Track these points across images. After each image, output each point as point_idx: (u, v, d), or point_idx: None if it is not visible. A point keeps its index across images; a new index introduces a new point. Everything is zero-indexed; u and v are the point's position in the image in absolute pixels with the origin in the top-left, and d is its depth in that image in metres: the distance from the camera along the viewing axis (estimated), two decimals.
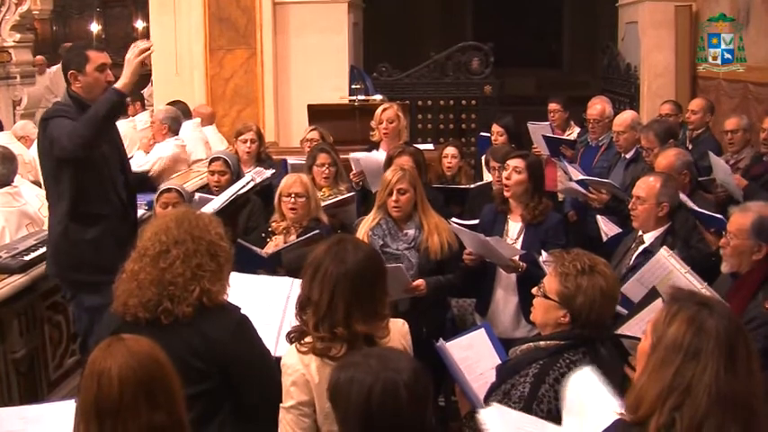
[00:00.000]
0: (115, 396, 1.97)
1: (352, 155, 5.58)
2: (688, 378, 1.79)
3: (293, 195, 4.34)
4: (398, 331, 2.70)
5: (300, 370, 2.52)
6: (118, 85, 3.86)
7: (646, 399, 1.83)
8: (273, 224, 4.41)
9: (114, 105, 3.83)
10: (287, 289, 3.41)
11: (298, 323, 2.63)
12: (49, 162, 3.95)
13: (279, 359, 2.70)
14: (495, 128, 6.30)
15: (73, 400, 2.55)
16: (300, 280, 3.33)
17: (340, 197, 5.04)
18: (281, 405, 2.55)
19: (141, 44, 3.97)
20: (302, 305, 2.61)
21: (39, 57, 11.40)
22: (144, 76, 12.15)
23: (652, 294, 3.50)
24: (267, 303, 3.12)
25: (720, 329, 1.81)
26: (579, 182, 5.24)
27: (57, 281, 4.18)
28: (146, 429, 1.98)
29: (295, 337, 2.60)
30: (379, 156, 5.46)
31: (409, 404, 1.99)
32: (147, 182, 4.56)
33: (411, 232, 4.11)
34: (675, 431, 1.77)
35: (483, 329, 3.15)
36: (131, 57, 3.89)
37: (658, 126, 5.44)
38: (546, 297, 2.69)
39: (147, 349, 2.06)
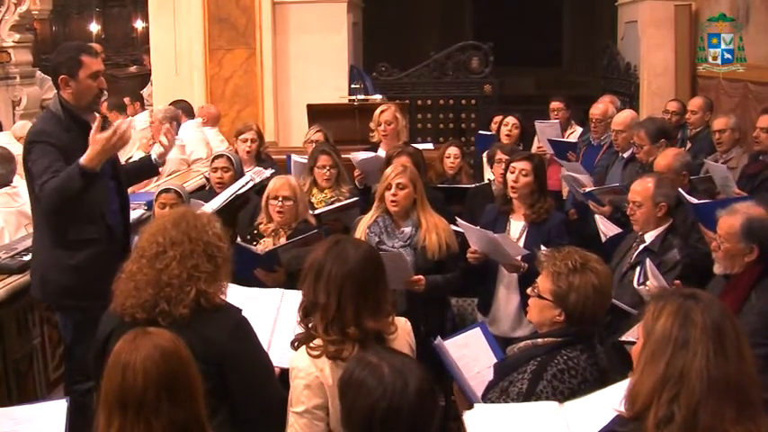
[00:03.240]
0: (139, 389, 1.99)
1: (353, 154, 5.61)
2: (680, 367, 1.82)
3: (281, 199, 4.29)
4: (403, 329, 2.71)
5: (314, 372, 2.50)
6: (83, 160, 3.52)
7: (641, 393, 1.86)
8: (261, 226, 4.38)
9: (80, 185, 3.52)
10: (277, 301, 3.39)
11: (300, 330, 2.62)
12: (32, 184, 3.76)
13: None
14: (512, 119, 6.25)
15: (64, 400, 2.56)
16: (290, 291, 3.36)
17: (343, 202, 5.00)
18: (291, 410, 2.53)
19: (121, 126, 3.62)
20: (307, 311, 2.59)
21: None
22: (143, 75, 12.17)
23: None
24: (257, 316, 3.09)
25: (707, 317, 1.85)
26: (587, 194, 5.22)
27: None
28: (167, 425, 2.00)
29: (301, 342, 2.59)
30: (379, 155, 5.49)
31: (411, 425, 2.00)
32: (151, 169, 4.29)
33: (407, 230, 4.09)
34: (675, 423, 1.79)
35: (479, 328, 3.17)
36: (102, 139, 3.52)
37: (651, 124, 5.46)
38: (540, 297, 2.70)
39: (172, 345, 2.08)
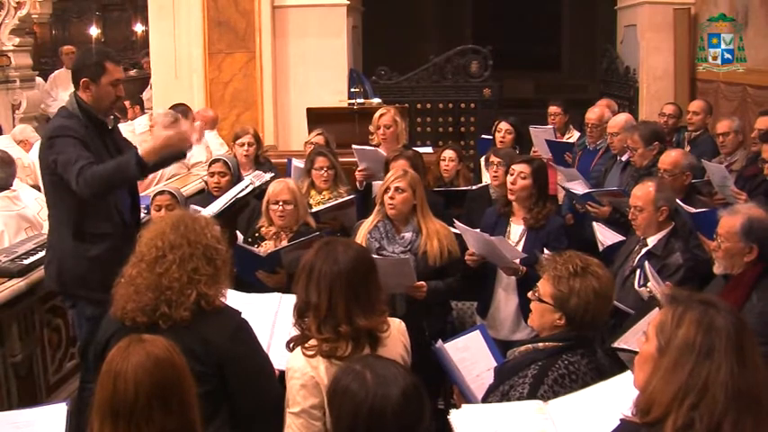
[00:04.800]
0: (130, 398, 1.99)
1: (353, 146, 5.65)
2: (704, 377, 1.80)
3: (281, 203, 4.31)
4: (397, 329, 2.73)
5: (309, 372, 2.52)
6: (142, 151, 3.68)
7: (659, 401, 1.83)
8: (262, 229, 4.39)
9: (134, 173, 3.71)
10: (275, 305, 3.42)
11: (297, 332, 2.64)
12: (51, 178, 3.87)
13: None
14: (505, 125, 6.21)
15: (64, 404, 2.56)
16: (288, 295, 3.38)
17: (339, 200, 5.05)
18: (287, 410, 2.54)
19: (185, 128, 3.76)
20: (300, 311, 2.62)
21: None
22: (143, 79, 12.17)
23: (649, 305, 3.50)
24: (256, 320, 3.12)
25: (730, 327, 1.83)
26: (585, 195, 5.22)
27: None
28: None
29: (296, 343, 2.61)
30: (379, 150, 5.54)
31: (397, 427, 2.02)
32: None
33: (408, 236, 4.08)
34: (695, 431, 1.77)
35: (478, 331, 3.18)
36: (166, 137, 3.67)
37: (644, 127, 5.47)
38: (540, 300, 2.71)
39: (165, 353, 2.08)
